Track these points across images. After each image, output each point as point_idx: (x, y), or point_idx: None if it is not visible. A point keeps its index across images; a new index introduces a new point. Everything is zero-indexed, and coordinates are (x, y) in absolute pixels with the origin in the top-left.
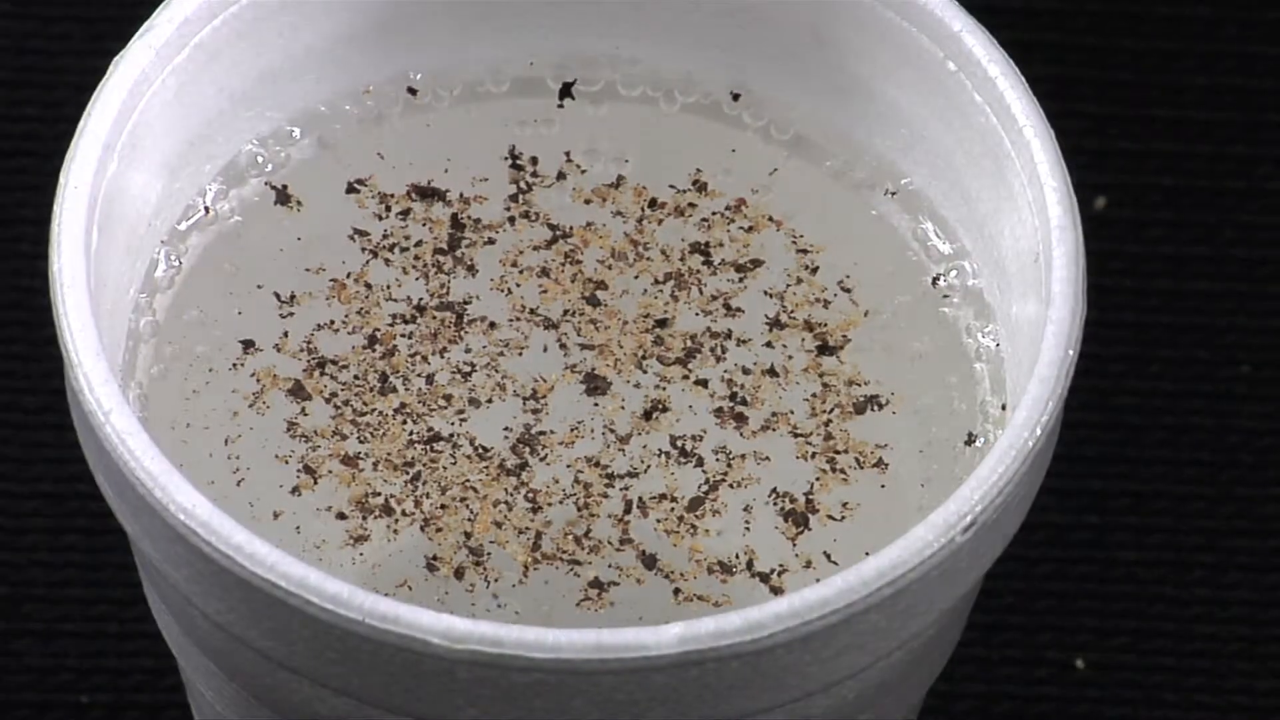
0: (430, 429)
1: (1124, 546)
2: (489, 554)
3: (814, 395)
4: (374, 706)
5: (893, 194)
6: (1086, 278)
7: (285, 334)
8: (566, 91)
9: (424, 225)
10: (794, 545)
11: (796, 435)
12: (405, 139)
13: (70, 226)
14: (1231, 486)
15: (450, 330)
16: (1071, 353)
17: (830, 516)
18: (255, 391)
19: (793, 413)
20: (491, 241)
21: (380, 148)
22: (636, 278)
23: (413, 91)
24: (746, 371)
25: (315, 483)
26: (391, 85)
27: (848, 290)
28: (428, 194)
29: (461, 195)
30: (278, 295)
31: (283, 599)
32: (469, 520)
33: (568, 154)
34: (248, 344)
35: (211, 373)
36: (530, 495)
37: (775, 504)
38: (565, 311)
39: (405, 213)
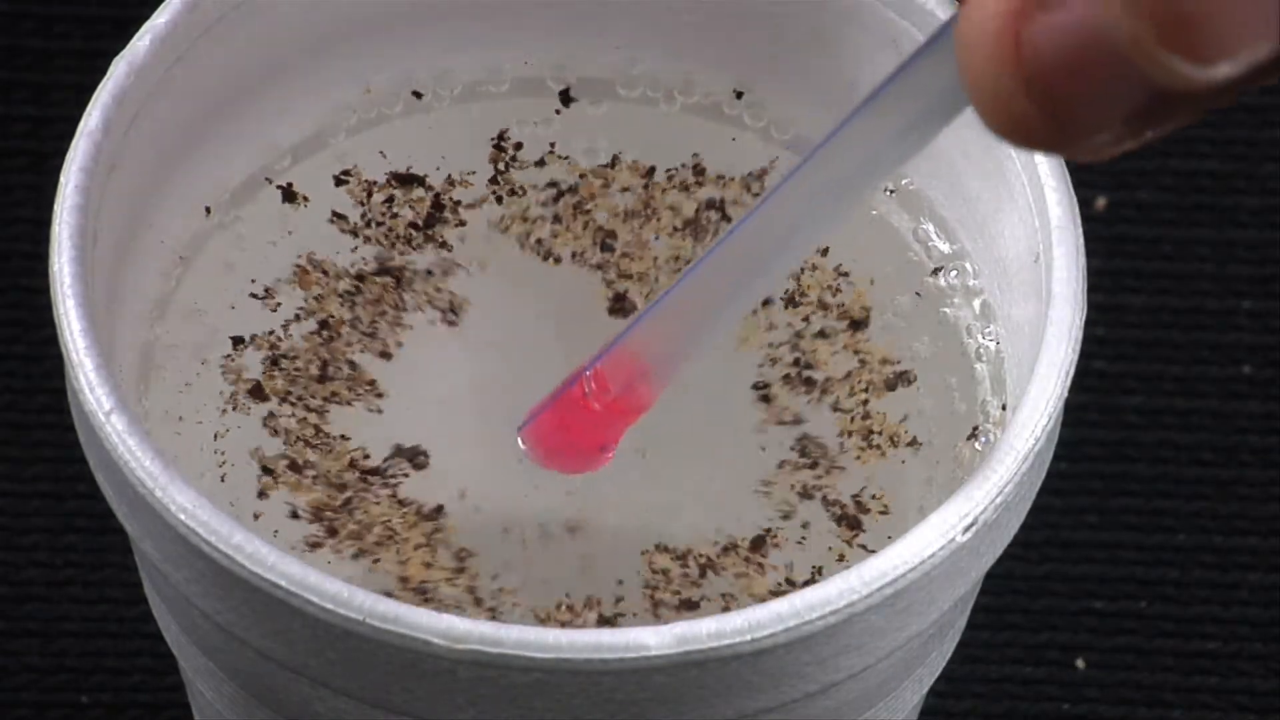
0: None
1: (1124, 546)
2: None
3: (849, 373)
4: (374, 706)
5: (893, 194)
6: (1086, 278)
7: (271, 331)
8: (567, 97)
9: (408, 206)
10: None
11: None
12: (405, 138)
13: (70, 227)
14: (1232, 486)
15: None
16: (1072, 353)
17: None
18: (233, 391)
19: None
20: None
21: (380, 147)
22: (655, 236)
23: (417, 95)
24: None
25: (276, 484)
26: (392, 85)
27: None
28: (407, 180)
29: (449, 178)
30: (268, 290)
31: (283, 599)
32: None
33: (558, 149)
34: (237, 340)
35: (210, 370)
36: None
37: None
38: (575, 254)
39: (389, 199)
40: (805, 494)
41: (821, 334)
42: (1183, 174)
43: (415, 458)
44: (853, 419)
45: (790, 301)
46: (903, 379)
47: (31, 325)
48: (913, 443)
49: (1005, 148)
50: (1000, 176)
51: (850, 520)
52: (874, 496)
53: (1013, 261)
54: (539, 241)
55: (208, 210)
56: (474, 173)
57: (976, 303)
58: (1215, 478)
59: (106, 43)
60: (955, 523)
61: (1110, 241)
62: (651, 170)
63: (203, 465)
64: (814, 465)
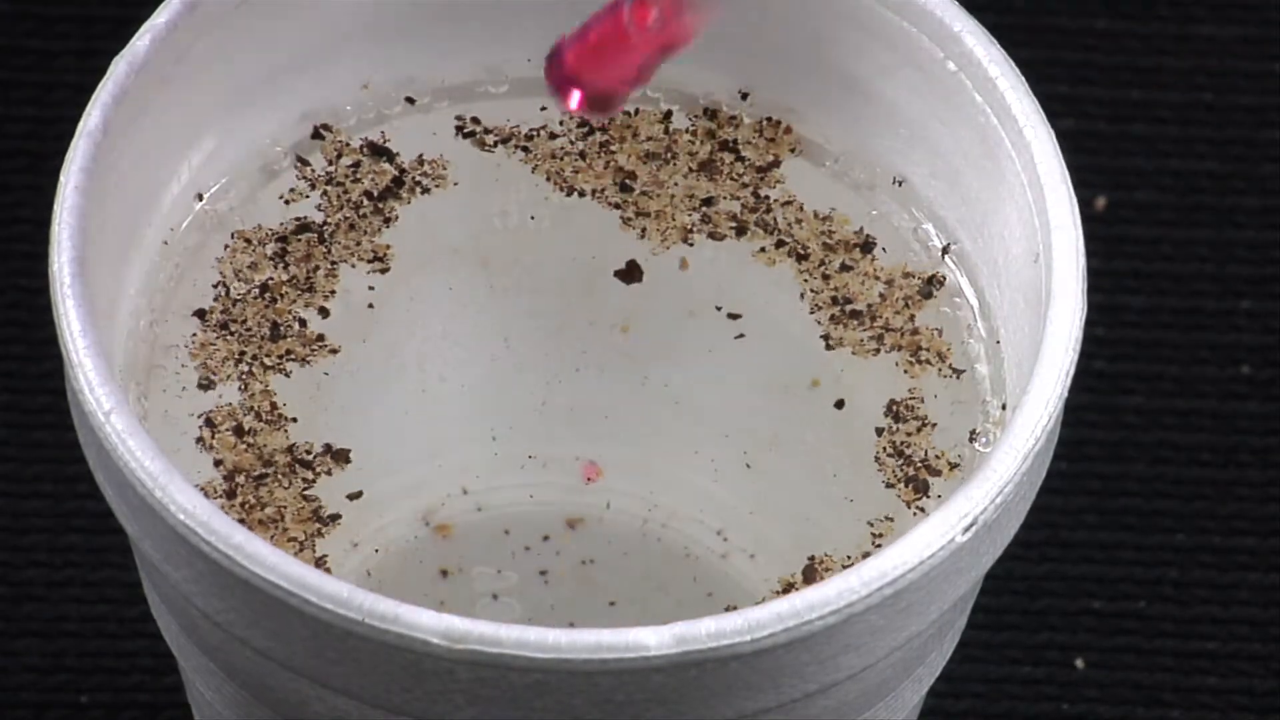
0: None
1: (1124, 546)
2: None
3: (882, 295)
4: (373, 706)
5: (895, 190)
6: (1086, 278)
7: (224, 299)
8: None
9: (369, 177)
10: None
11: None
12: (405, 138)
13: (70, 227)
14: (1232, 486)
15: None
16: (1071, 353)
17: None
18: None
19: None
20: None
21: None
22: (670, 176)
23: (411, 99)
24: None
25: (213, 439)
26: (391, 86)
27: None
28: (379, 151)
29: (418, 157)
30: (222, 278)
31: (282, 599)
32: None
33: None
34: (199, 312)
35: (207, 368)
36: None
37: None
38: (596, 190)
39: (356, 164)
40: (897, 453)
41: (845, 267)
42: (1182, 174)
43: (341, 460)
44: (902, 335)
45: (800, 256)
46: (934, 283)
47: (31, 325)
48: (957, 373)
49: (1005, 147)
50: (1000, 177)
51: (919, 484)
52: (938, 456)
53: (1012, 261)
54: (562, 176)
55: (202, 202)
56: (449, 162)
57: (976, 303)
58: (1215, 478)
59: (106, 43)
60: (955, 523)
61: (1110, 241)
62: (669, 114)
63: (196, 459)
64: (917, 428)
